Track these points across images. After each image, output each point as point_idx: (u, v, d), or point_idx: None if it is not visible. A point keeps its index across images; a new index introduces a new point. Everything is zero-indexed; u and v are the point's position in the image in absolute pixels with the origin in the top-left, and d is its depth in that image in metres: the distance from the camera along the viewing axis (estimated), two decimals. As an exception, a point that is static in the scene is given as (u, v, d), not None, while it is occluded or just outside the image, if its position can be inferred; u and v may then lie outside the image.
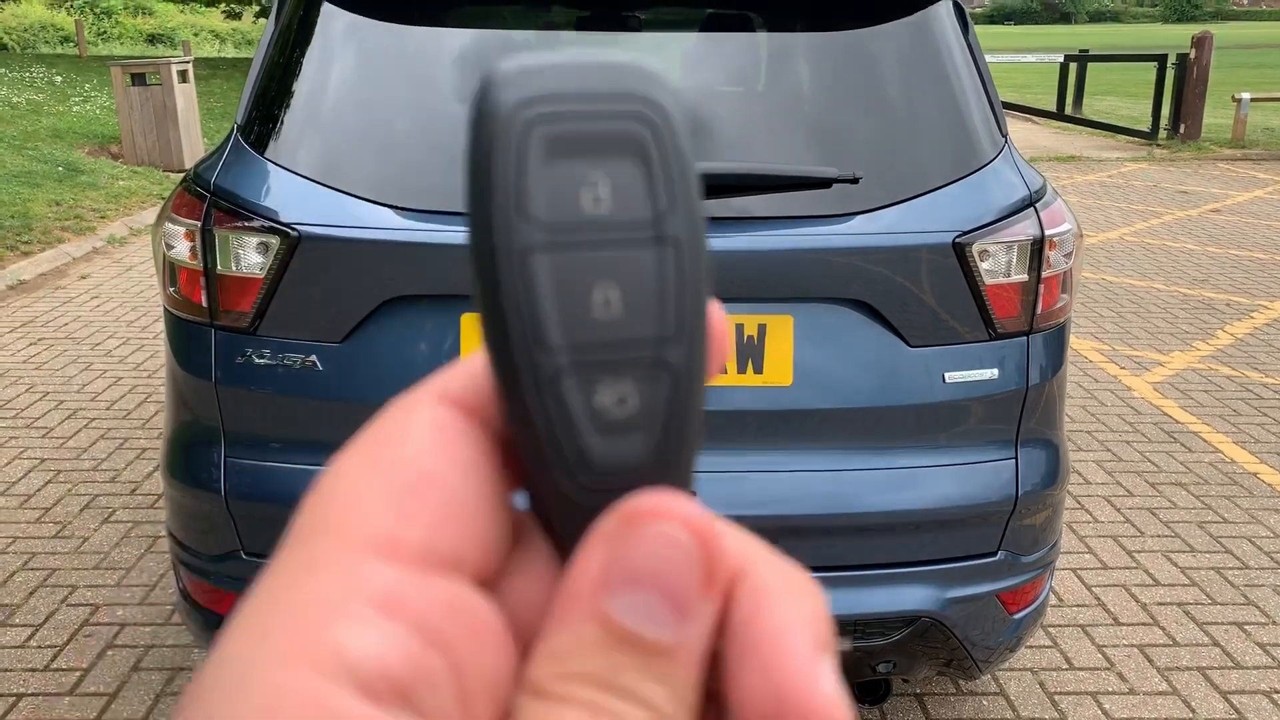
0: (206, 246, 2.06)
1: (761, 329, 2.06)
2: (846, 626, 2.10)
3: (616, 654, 0.26)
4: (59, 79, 15.63)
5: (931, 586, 2.12)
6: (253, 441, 2.13)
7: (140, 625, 3.13)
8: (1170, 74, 14.23)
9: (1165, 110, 14.35)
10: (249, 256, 2.03)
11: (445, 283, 2.02)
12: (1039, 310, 2.14)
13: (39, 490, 3.98)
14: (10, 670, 2.92)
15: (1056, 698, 2.90)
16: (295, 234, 1.99)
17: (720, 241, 2.01)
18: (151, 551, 3.54)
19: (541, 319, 0.28)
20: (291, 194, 2.03)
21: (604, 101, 0.29)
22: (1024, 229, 2.10)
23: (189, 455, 2.18)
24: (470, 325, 2.03)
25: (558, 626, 0.27)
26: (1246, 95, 14.19)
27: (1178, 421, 4.89)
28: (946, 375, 2.11)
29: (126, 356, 5.47)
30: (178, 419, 2.23)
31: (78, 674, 2.91)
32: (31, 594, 3.29)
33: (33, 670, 2.92)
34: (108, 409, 4.74)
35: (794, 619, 0.28)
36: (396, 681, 0.25)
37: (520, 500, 0.31)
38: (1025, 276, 2.12)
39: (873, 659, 2.18)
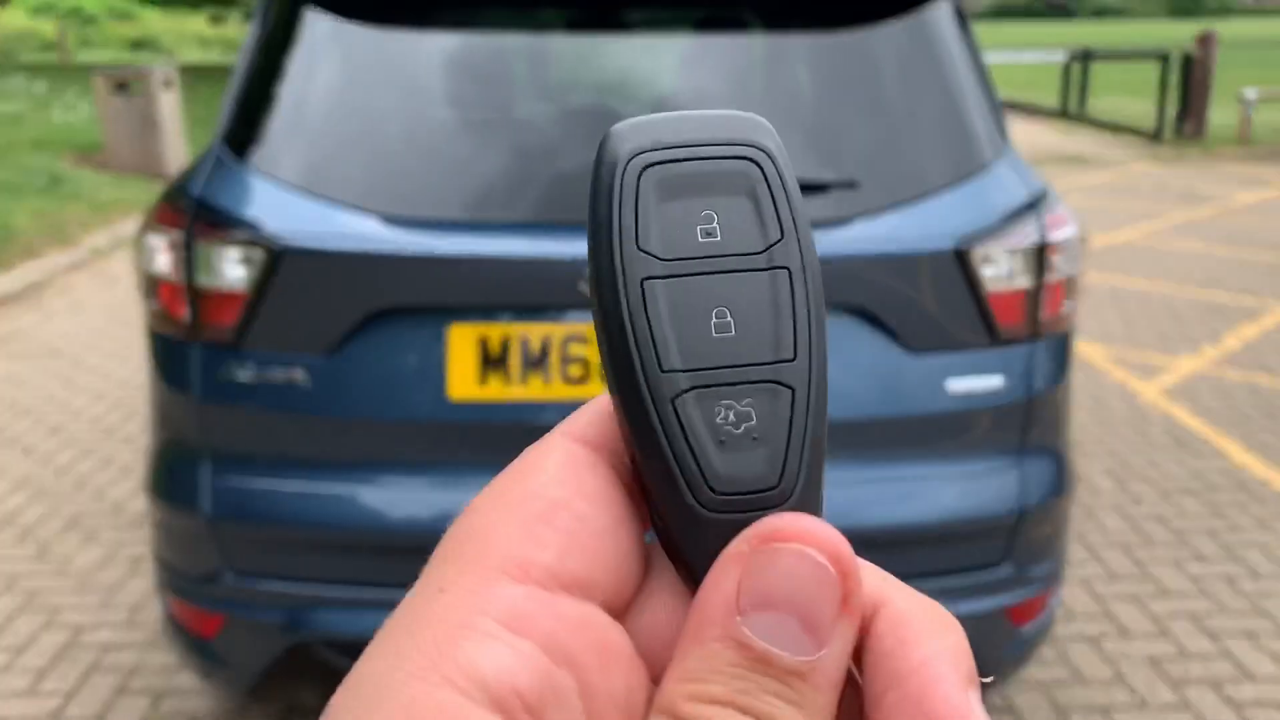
0: (189, 260, 1.99)
1: None
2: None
3: (750, 677, 0.27)
4: (41, 88, 15.61)
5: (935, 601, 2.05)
6: (237, 459, 2.06)
7: (125, 648, 3.06)
8: (1175, 72, 14.14)
9: (1171, 109, 14.26)
10: (231, 270, 1.97)
11: (431, 294, 1.96)
12: (1043, 317, 2.06)
13: (20, 510, 3.91)
14: (-9, 695, 2.85)
15: (1065, 711, 2.81)
16: (279, 247, 1.93)
17: None
18: (136, 573, 3.47)
19: (661, 342, 0.30)
20: (275, 205, 1.97)
21: (712, 146, 0.32)
22: (1026, 234, 2.03)
23: (173, 473, 2.11)
24: (458, 337, 1.97)
25: (690, 648, 0.27)
26: (1252, 93, 14.10)
27: (1187, 427, 4.80)
28: (949, 384, 2.04)
29: (110, 372, 5.39)
30: (161, 436, 2.17)
31: (61, 697, 2.84)
32: (14, 616, 3.22)
33: (16, 694, 2.85)
34: (91, 426, 4.67)
35: (941, 652, 0.28)
36: (526, 697, 0.26)
37: (650, 535, 0.32)
38: (1028, 283, 2.05)
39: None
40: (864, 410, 2.03)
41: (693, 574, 0.30)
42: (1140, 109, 16.19)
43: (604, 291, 0.30)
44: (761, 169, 0.32)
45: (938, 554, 2.09)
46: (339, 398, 1.99)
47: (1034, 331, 2.08)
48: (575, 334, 1.98)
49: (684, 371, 0.29)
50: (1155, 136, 14.19)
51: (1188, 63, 14.02)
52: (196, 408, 2.04)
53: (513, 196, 1.99)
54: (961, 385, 2.05)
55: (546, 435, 0.34)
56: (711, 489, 0.30)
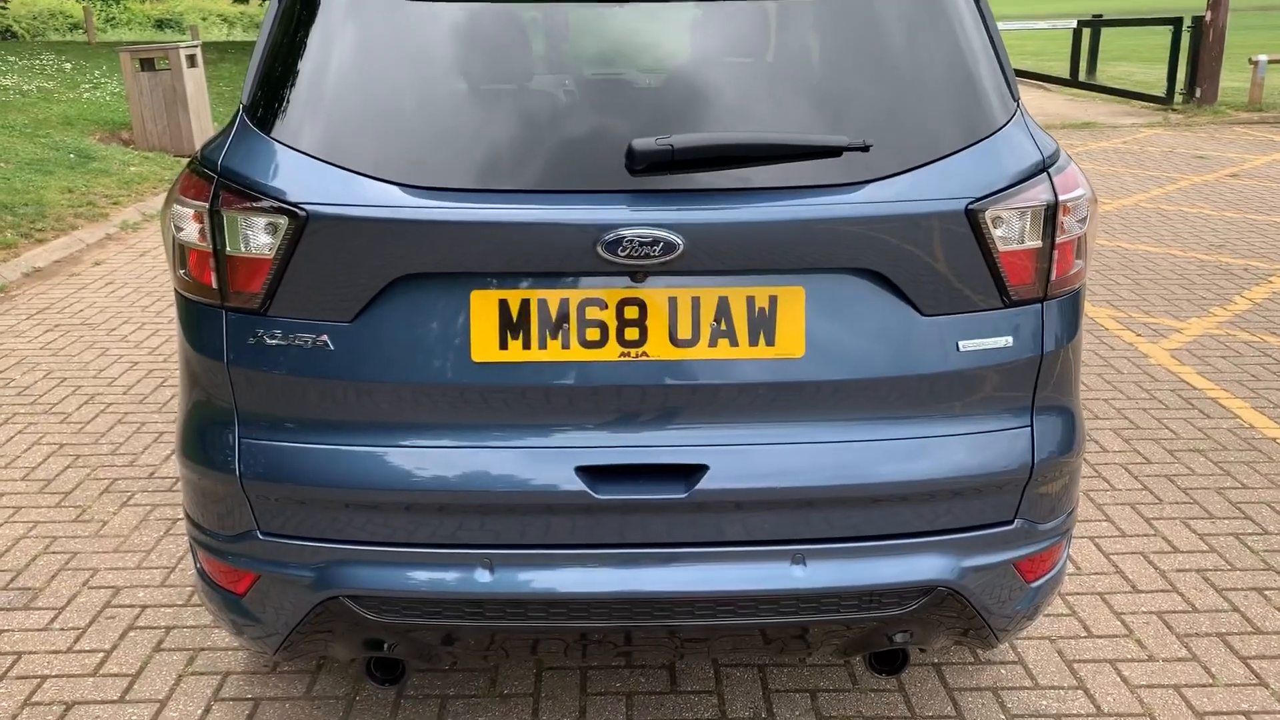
0: (215, 228, 2.05)
1: (773, 300, 2.04)
2: (863, 598, 2.09)
3: None
4: (69, 66, 15.64)
5: (948, 556, 2.11)
6: (265, 421, 2.13)
7: (161, 607, 3.16)
8: (1186, 37, 14.05)
9: (1181, 74, 14.18)
10: (258, 237, 2.03)
11: (455, 260, 2.02)
12: (1053, 277, 2.11)
13: (58, 475, 4.01)
14: (34, 652, 2.95)
15: (1075, 665, 2.89)
16: (303, 213, 1.98)
17: (729, 213, 1.99)
18: (171, 534, 3.57)
19: None
20: (299, 173, 2.03)
21: None
22: (1037, 194, 2.07)
23: (203, 436, 2.18)
24: (480, 302, 2.03)
25: None
26: (1263, 58, 14.01)
27: (1195, 388, 4.86)
28: (961, 344, 2.09)
29: (142, 341, 5.49)
30: (191, 400, 2.23)
31: (100, 655, 2.94)
32: (53, 577, 3.32)
33: (56, 652, 2.95)
34: (124, 393, 4.76)
35: None
36: None
37: None
38: (1039, 243, 2.09)
39: (889, 629, 2.18)
40: (876, 371, 2.08)
41: None
42: (1152, 75, 16.09)
43: None
44: None
45: (950, 510, 2.15)
46: (364, 361, 2.05)
47: (1045, 291, 2.12)
48: (592, 298, 2.03)
49: None
50: (1166, 102, 14.12)
51: (1199, 28, 13.93)
52: (225, 372, 2.11)
53: (531, 163, 2.03)
54: (973, 345, 2.10)
55: None
56: None
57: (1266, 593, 3.22)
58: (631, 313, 2.05)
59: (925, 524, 2.13)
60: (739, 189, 2.01)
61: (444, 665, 2.83)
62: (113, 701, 2.75)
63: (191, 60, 10.72)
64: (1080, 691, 2.79)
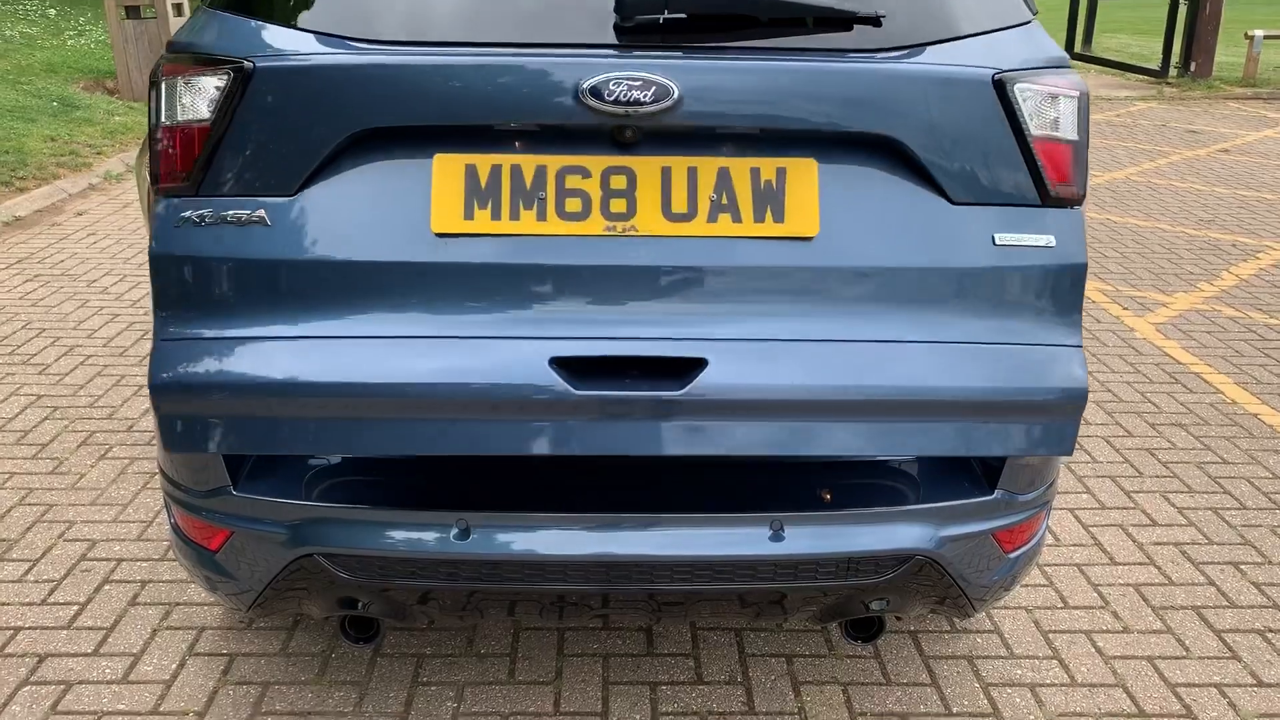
0: (154, 103, 1.91)
1: (780, 173, 1.87)
2: (839, 565, 2.09)
3: None
4: (53, 12, 15.38)
5: (925, 525, 2.11)
6: (187, 320, 1.90)
7: (138, 561, 3.14)
8: (1182, 11, 13.96)
9: (1177, 48, 14.11)
10: (195, 101, 1.86)
11: (415, 112, 1.82)
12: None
13: (35, 426, 3.97)
14: (8, 604, 2.93)
15: (1051, 635, 2.90)
16: (249, 66, 1.84)
17: (731, 62, 1.84)
18: (149, 488, 3.54)
19: None
20: (247, 34, 1.90)
21: None
22: (1070, 83, 1.94)
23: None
24: (443, 166, 1.85)
25: None
26: (1259, 33, 13.94)
27: (1179, 362, 4.86)
28: (996, 236, 1.93)
29: (123, 293, 5.43)
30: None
31: (75, 608, 2.92)
32: (29, 529, 3.29)
33: (30, 604, 2.93)
34: (104, 346, 4.72)
35: None
36: None
37: None
38: (1075, 137, 1.95)
39: (865, 597, 2.18)
40: (901, 258, 1.90)
41: None
42: (1147, 48, 16.03)
43: None
44: None
45: (987, 432, 1.94)
46: (306, 239, 1.86)
47: (1081, 195, 1.96)
48: (573, 166, 1.85)
49: None
50: (1160, 75, 14.06)
51: (1195, 2, 13.84)
52: (162, 261, 1.89)
53: (505, 17, 1.86)
54: (1011, 239, 1.92)
55: None
56: None
57: (1242, 567, 3.24)
58: (618, 182, 1.84)
59: (954, 446, 1.98)
60: (737, 46, 1.86)
61: (420, 625, 2.82)
62: (86, 655, 2.74)
63: (178, 9, 10.54)
64: (1055, 661, 2.80)
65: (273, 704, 2.58)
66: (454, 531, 2.03)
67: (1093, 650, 2.85)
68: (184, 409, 1.91)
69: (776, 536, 2.04)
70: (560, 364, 1.84)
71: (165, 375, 1.89)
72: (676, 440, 1.89)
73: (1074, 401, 1.96)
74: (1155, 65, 14.30)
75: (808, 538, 2.06)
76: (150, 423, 3.98)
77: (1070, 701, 2.65)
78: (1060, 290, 1.97)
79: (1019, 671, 2.76)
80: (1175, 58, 14.12)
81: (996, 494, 2.15)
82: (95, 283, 5.59)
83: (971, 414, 1.94)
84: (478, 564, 2.06)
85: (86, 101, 9.81)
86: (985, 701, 2.65)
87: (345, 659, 2.74)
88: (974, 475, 2.19)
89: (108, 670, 2.68)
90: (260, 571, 2.14)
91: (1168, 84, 13.78)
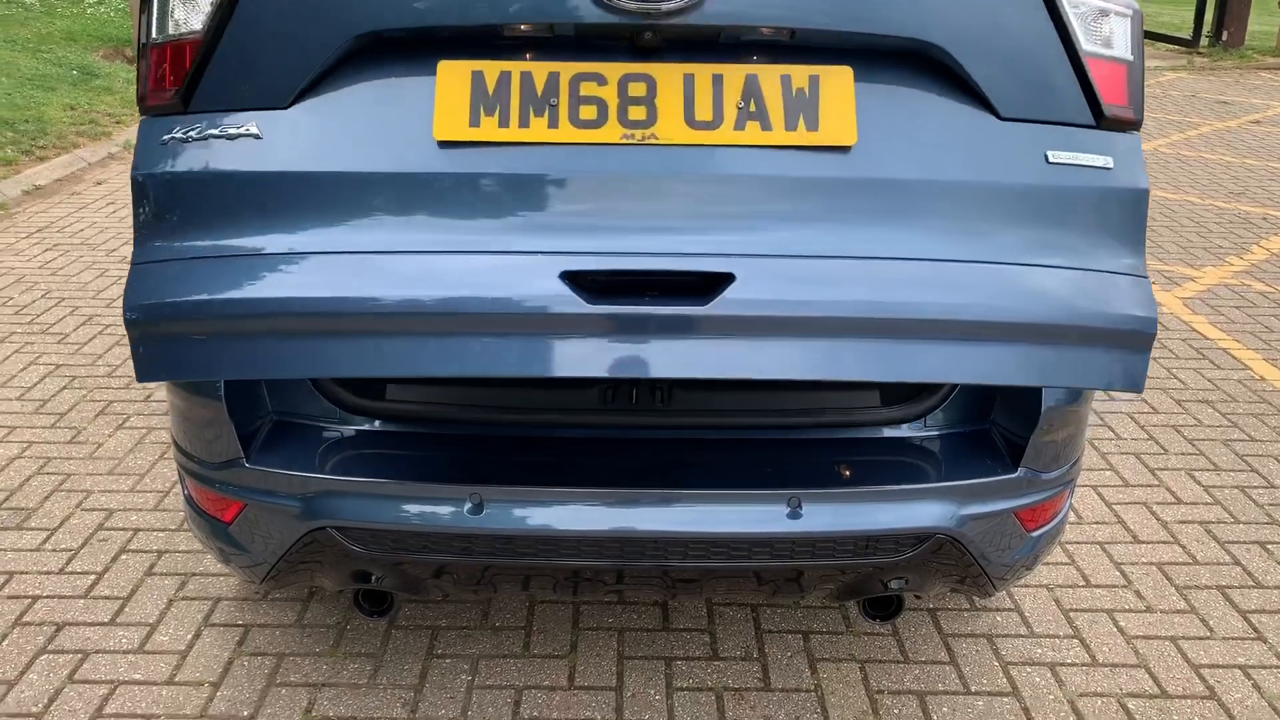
0: (145, 22, 1.83)
1: (814, 80, 1.76)
2: (858, 543, 2.06)
3: None
4: (74, -20, 15.36)
5: (946, 503, 2.07)
6: (166, 238, 1.79)
7: (154, 531, 3.14)
8: (1215, -22, 13.71)
9: (1209, 17, 13.86)
10: (188, 15, 1.79)
11: (419, 12, 1.72)
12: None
13: (54, 396, 3.97)
14: (26, 573, 2.94)
15: (1072, 614, 2.87)
16: None
17: None
18: (165, 458, 3.54)
19: None
20: None
21: None
22: (1124, 1, 1.85)
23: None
24: (448, 73, 1.76)
25: None
26: (1293, 1, 13.67)
27: (1207, 337, 4.79)
28: (1050, 154, 1.82)
29: (142, 262, 5.43)
30: None
31: (92, 577, 2.92)
32: (47, 498, 3.30)
33: (48, 573, 2.94)
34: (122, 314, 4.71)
35: None
36: None
37: None
38: (1129, 57, 1.86)
39: (884, 575, 2.15)
40: (948, 172, 1.78)
41: None
42: (1179, 17, 15.75)
43: None
44: None
45: (1049, 359, 1.80)
46: (300, 152, 1.77)
47: (1138, 120, 1.85)
48: (588, 73, 1.74)
49: None
50: (1192, 45, 13.82)
51: (1229, -32, 13.58)
52: (147, 182, 1.80)
53: None
54: (1066, 158, 1.81)
55: None
56: None
57: (1269, 546, 3.19)
58: (637, 89, 1.74)
59: (1004, 372, 1.83)
60: None
61: (435, 598, 2.81)
62: (103, 624, 2.74)
63: (197, -23, 10.48)
64: (1076, 640, 2.77)
65: (287, 675, 2.58)
66: (467, 506, 2.01)
67: (1114, 629, 2.81)
68: (165, 332, 1.79)
69: (794, 514, 2.01)
70: (573, 278, 1.70)
71: (143, 300, 1.77)
72: (698, 361, 1.74)
73: (1143, 332, 1.82)
74: (1187, 34, 14.06)
75: (826, 515, 2.03)
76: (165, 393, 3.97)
77: (1091, 681, 2.62)
78: (1121, 214, 1.84)
79: (1039, 650, 2.73)
80: (1207, 27, 13.87)
81: (1020, 472, 2.11)
82: (114, 252, 5.58)
83: (1030, 339, 1.79)
84: (491, 539, 2.04)
85: (106, 70, 9.80)
86: (1004, 680, 2.62)
87: (360, 631, 2.73)
88: (996, 452, 2.15)
89: (124, 640, 2.69)
90: (273, 544, 2.13)
91: (1198, 54, 13.54)
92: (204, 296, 1.75)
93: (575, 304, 1.69)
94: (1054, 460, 2.16)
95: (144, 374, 1.83)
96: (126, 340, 4.40)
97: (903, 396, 2.23)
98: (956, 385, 2.19)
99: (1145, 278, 1.86)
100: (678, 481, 2.05)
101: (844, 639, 2.75)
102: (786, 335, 1.75)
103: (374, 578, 2.19)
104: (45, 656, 2.62)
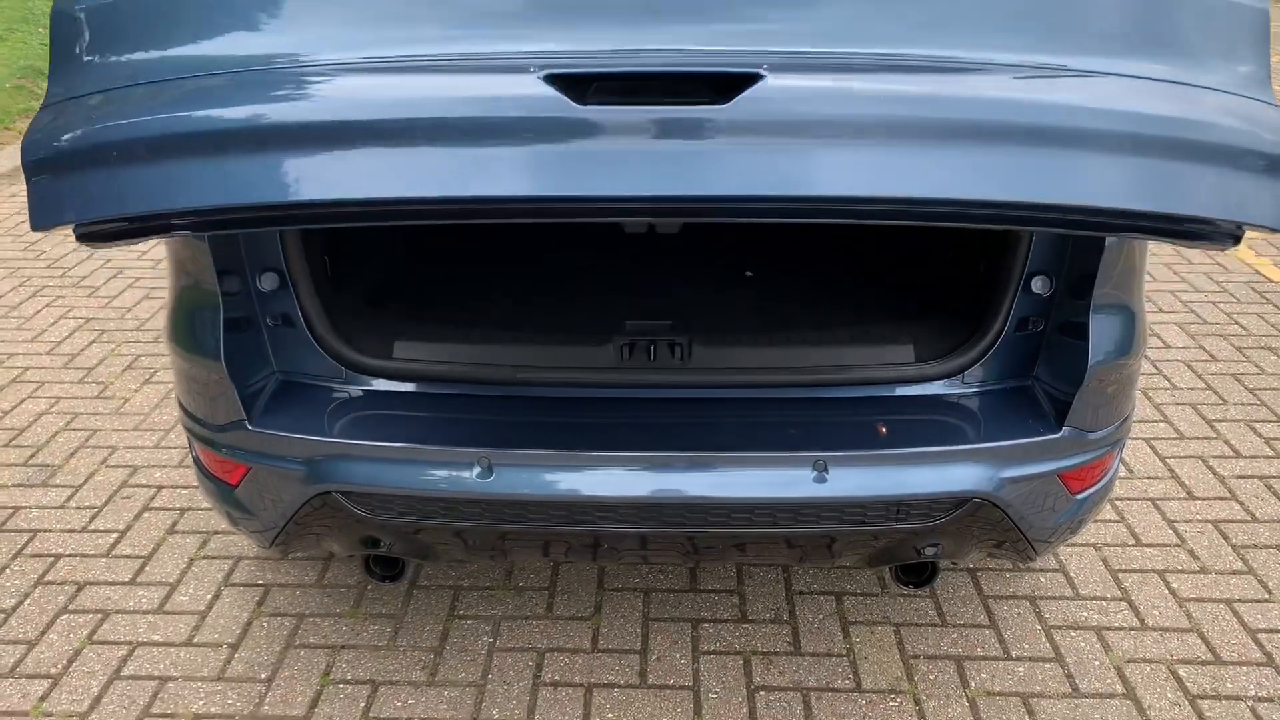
0: None
1: None
2: (889, 508, 1.94)
3: None
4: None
5: (984, 465, 1.94)
6: (90, 79, 1.60)
7: (177, 488, 3.10)
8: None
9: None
10: None
11: None
12: None
13: (83, 350, 3.94)
14: (49, 530, 2.91)
15: (1120, 575, 2.73)
16: None
17: None
18: (190, 413, 3.50)
19: None
20: None
21: None
22: None
23: (191, 322, 2.06)
24: None
25: None
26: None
27: (1272, 281, 4.55)
28: None
29: (174, 213, 5.39)
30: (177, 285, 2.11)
31: (114, 536, 2.89)
32: (72, 455, 3.27)
33: (71, 531, 2.91)
34: (153, 268, 4.68)
35: None
36: None
37: None
38: None
39: (917, 541, 2.03)
40: None
41: None
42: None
43: None
44: None
45: (1163, 181, 1.52)
46: None
47: None
48: None
49: None
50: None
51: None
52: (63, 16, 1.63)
53: None
54: None
55: None
56: None
57: (1334, 503, 3.02)
58: None
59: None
60: None
61: (447, 562, 2.74)
62: (124, 583, 2.71)
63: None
64: (1124, 603, 2.64)
65: (306, 637, 2.53)
66: (476, 470, 1.92)
67: (1165, 592, 2.67)
68: (58, 169, 1.59)
69: (820, 478, 1.90)
70: (563, 81, 1.45)
71: (46, 139, 1.58)
72: (712, 175, 1.47)
73: (1273, 162, 1.54)
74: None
75: (853, 478, 1.91)
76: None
77: (1139, 646, 2.50)
78: (1239, 33, 1.60)
79: (1084, 613, 2.61)
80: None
81: (1064, 431, 1.97)
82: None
83: (1127, 151, 1.51)
84: (502, 504, 1.95)
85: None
86: (1047, 645, 2.50)
87: (380, 591, 2.67)
88: (1039, 410, 2.02)
89: (144, 600, 2.65)
90: (280, 509, 2.06)
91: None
92: (121, 122, 1.56)
93: (565, 105, 1.44)
94: (1101, 418, 2.02)
95: (38, 221, 1.60)
96: (155, 295, 4.36)
97: (940, 350, 2.10)
98: (998, 339, 2.05)
99: (1274, 105, 1.58)
100: (696, 444, 1.94)
101: (878, 601, 2.64)
102: (821, 136, 1.48)
103: (383, 544, 2.11)
104: (66, 616, 2.59)
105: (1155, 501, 3.03)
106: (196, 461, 2.21)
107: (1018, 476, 1.96)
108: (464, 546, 2.12)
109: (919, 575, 2.30)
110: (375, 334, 2.14)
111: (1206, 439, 3.35)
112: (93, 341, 4.01)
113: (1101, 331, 1.96)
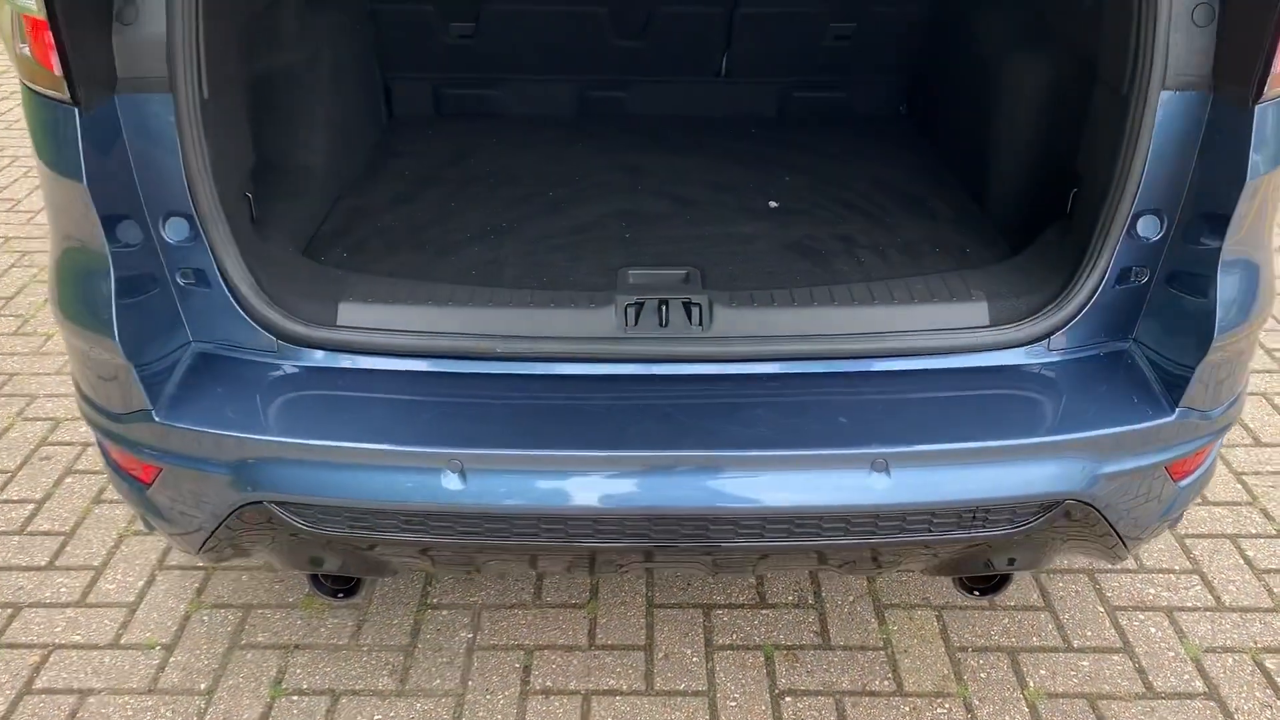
0: None
1: None
2: (962, 516, 1.55)
3: None
4: None
5: (1078, 460, 1.55)
6: None
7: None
8: None
9: None
10: None
11: None
12: None
13: (1, 275, 3.47)
14: (-46, 502, 2.51)
15: (1188, 542, 2.39)
16: None
17: None
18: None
19: None
20: None
21: None
22: None
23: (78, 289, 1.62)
24: None
25: None
26: None
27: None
28: None
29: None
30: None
31: (30, 507, 2.49)
32: None
33: (-19, 502, 2.51)
34: (80, 176, 4.17)
35: None
36: None
37: None
38: None
39: (991, 553, 1.65)
40: None
41: None
42: None
43: None
44: None
45: None
46: None
47: None
48: None
49: None
50: None
51: None
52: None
53: None
54: None
55: None
56: None
57: None
58: None
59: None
60: None
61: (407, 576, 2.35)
62: (39, 568, 2.32)
63: None
64: (1195, 576, 2.30)
65: (254, 634, 2.16)
66: (445, 476, 1.51)
67: (1240, 561, 2.34)
68: None
69: (878, 481, 1.50)
70: None
71: None
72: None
73: None
74: None
75: (917, 481, 1.52)
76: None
77: (1218, 632, 2.17)
78: None
79: (1152, 590, 2.27)
80: None
81: (1178, 413, 1.59)
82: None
83: None
84: (478, 517, 1.55)
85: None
86: (1113, 632, 2.17)
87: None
88: (1145, 386, 1.62)
89: (63, 589, 2.27)
90: (203, 516, 1.65)
91: None
92: None
93: None
94: (1223, 394, 1.64)
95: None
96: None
97: (1020, 309, 1.69)
98: (1094, 294, 1.65)
99: None
100: (720, 439, 1.54)
101: (916, 581, 2.29)
102: None
103: (329, 562, 1.72)
104: (-31, 613, 2.21)
105: (1221, 453, 2.67)
106: (103, 452, 1.79)
107: (1119, 471, 1.58)
108: (433, 563, 1.74)
109: (987, 582, 1.93)
110: (314, 293, 1.72)
111: (1271, 373, 2.98)
112: (12, 265, 3.54)
113: (1231, 286, 1.56)
